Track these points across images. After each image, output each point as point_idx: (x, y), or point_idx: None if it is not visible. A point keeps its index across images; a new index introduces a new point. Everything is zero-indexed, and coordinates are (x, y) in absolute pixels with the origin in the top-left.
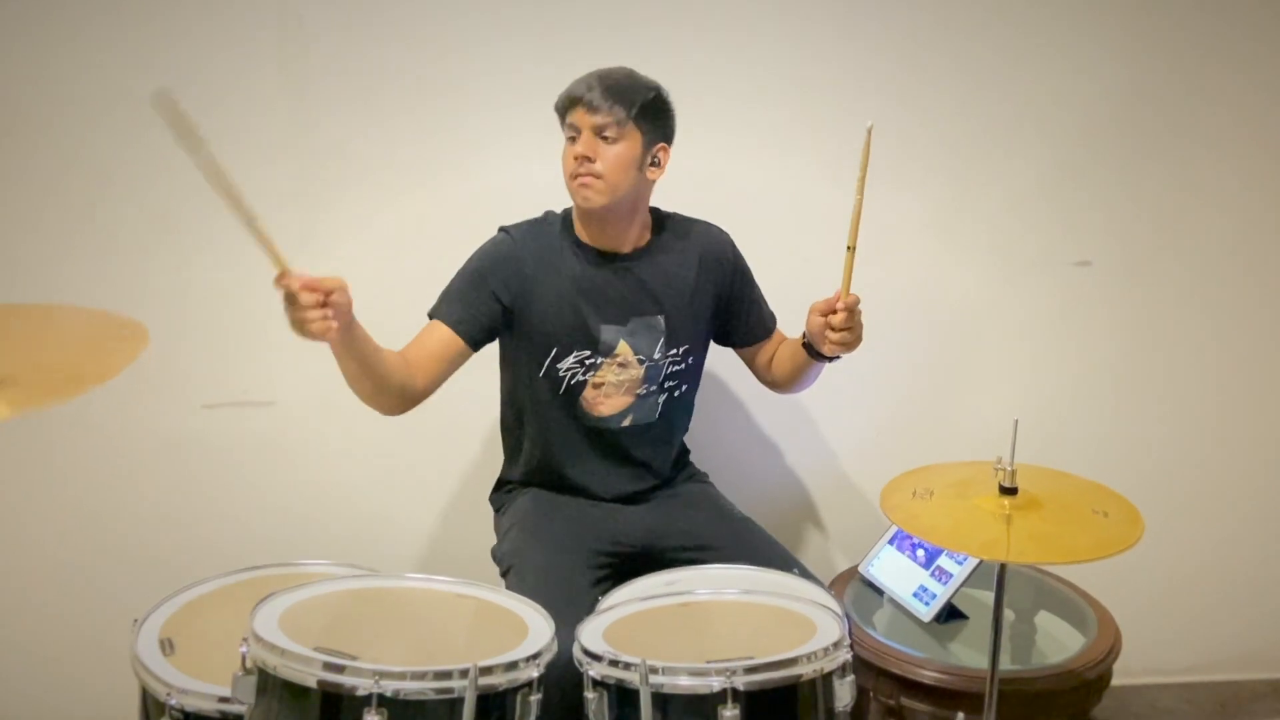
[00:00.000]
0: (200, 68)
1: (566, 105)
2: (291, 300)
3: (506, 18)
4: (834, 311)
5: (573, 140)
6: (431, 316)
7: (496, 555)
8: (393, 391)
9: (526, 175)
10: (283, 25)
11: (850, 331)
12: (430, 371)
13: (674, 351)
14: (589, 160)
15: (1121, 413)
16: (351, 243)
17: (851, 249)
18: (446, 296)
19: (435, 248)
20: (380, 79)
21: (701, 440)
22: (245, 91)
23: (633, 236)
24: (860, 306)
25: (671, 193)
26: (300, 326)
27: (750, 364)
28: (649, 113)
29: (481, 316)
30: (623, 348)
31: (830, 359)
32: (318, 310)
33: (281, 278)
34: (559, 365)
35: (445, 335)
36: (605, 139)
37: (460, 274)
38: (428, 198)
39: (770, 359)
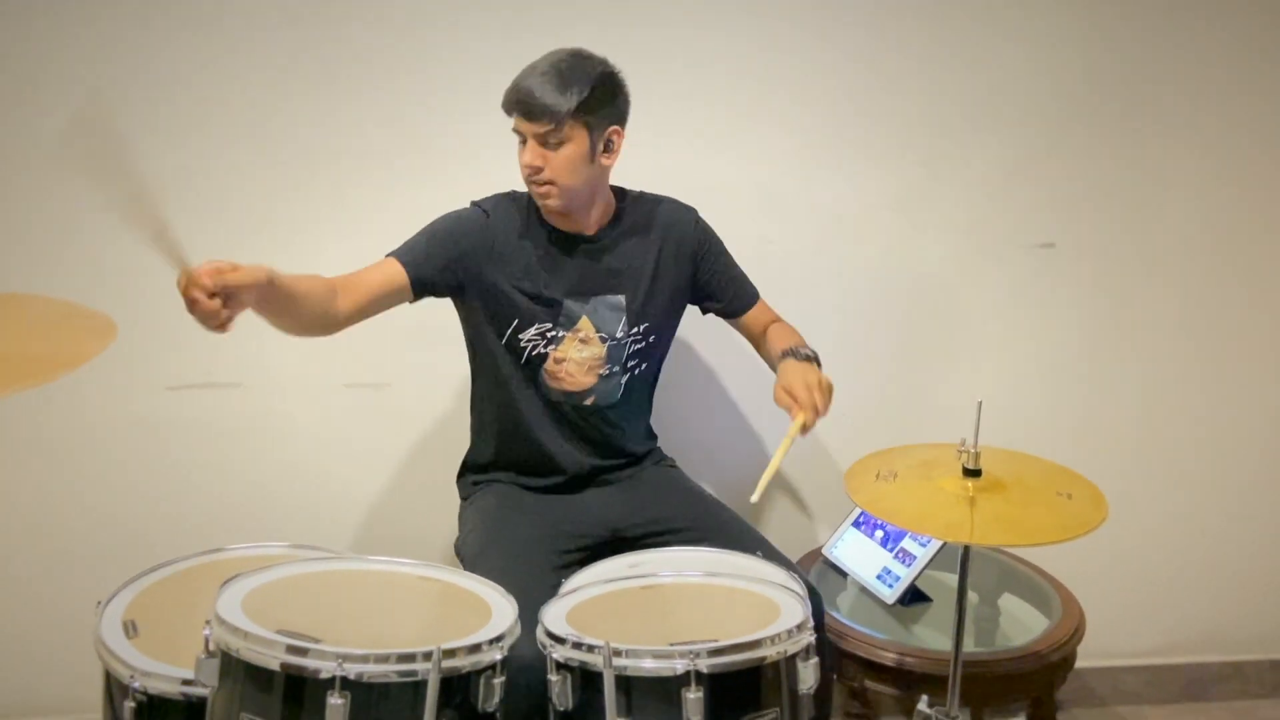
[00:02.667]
0: (186, 67)
1: (509, 108)
2: (194, 306)
3: (500, 17)
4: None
5: (522, 144)
6: (389, 255)
7: (459, 553)
8: (311, 324)
9: (512, 171)
10: (271, 24)
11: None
12: (359, 301)
13: (635, 330)
14: (538, 169)
15: (1085, 395)
16: (340, 244)
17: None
18: (409, 244)
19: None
20: (368, 77)
21: (668, 424)
22: (234, 92)
23: (595, 219)
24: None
25: (639, 170)
26: (212, 327)
27: (747, 338)
28: (591, 104)
29: (434, 269)
30: (584, 323)
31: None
32: (219, 314)
33: (181, 282)
34: (520, 335)
35: (394, 270)
36: (549, 144)
37: (428, 230)
38: (415, 199)
39: (760, 341)
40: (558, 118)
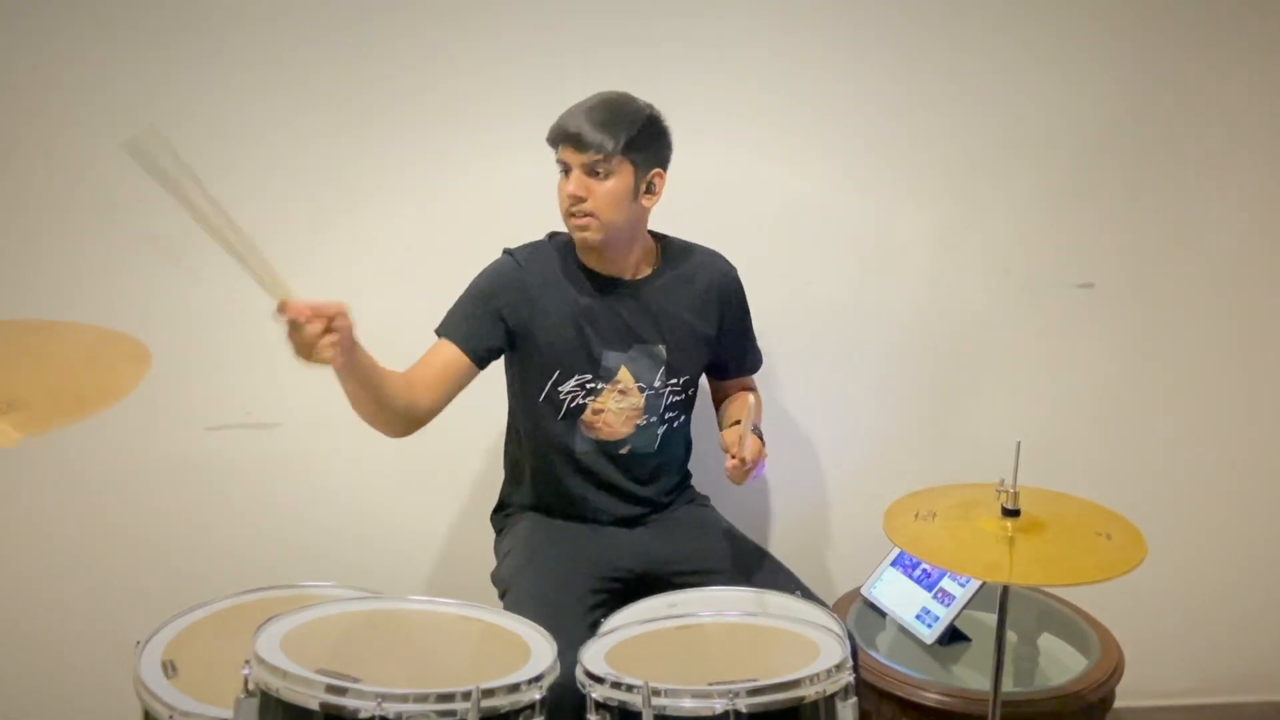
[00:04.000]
0: (198, 92)
1: (556, 140)
2: (296, 329)
3: (506, 36)
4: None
5: (565, 175)
6: (439, 334)
7: (495, 579)
8: (397, 412)
9: (528, 194)
10: (280, 49)
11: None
12: (435, 390)
13: (674, 382)
14: (580, 199)
15: (1124, 434)
16: (353, 264)
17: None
18: (453, 316)
19: (438, 267)
20: (378, 99)
21: (703, 462)
22: (244, 115)
23: (633, 262)
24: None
25: (680, 210)
26: (306, 354)
27: (714, 395)
28: (639, 143)
29: (487, 335)
30: (624, 374)
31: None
32: (324, 337)
33: (283, 309)
34: (560, 388)
35: (452, 353)
36: (596, 175)
37: (466, 294)
38: (429, 217)
39: (725, 404)
40: (606, 149)
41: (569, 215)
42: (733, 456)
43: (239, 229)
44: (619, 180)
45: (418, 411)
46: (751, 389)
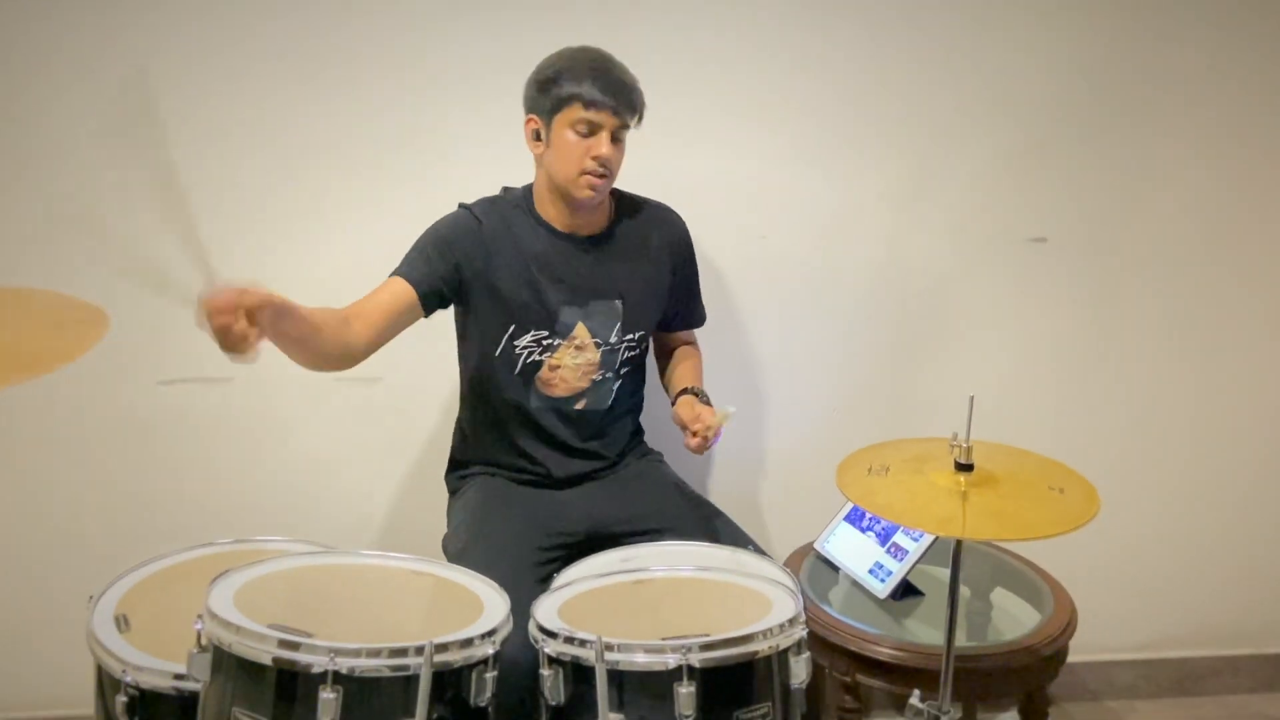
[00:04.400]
0: (177, 69)
1: (585, 101)
2: (222, 329)
3: (486, 16)
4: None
5: (584, 135)
6: (393, 274)
7: (446, 550)
8: (330, 354)
9: (504, 176)
10: (256, 26)
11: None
12: (375, 325)
13: (630, 336)
14: (609, 162)
15: (1077, 390)
16: (327, 245)
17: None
18: (409, 258)
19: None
20: (354, 78)
21: (655, 418)
22: (220, 94)
23: (596, 219)
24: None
25: (635, 167)
26: (232, 349)
27: (654, 343)
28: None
29: (439, 279)
30: (580, 330)
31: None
32: (250, 332)
33: (207, 310)
34: (515, 342)
35: (401, 289)
36: (616, 140)
37: (423, 239)
38: (403, 200)
39: (667, 360)
40: (636, 120)
41: (589, 175)
42: (694, 434)
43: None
44: (625, 141)
45: (353, 350)
46: (692, 343)
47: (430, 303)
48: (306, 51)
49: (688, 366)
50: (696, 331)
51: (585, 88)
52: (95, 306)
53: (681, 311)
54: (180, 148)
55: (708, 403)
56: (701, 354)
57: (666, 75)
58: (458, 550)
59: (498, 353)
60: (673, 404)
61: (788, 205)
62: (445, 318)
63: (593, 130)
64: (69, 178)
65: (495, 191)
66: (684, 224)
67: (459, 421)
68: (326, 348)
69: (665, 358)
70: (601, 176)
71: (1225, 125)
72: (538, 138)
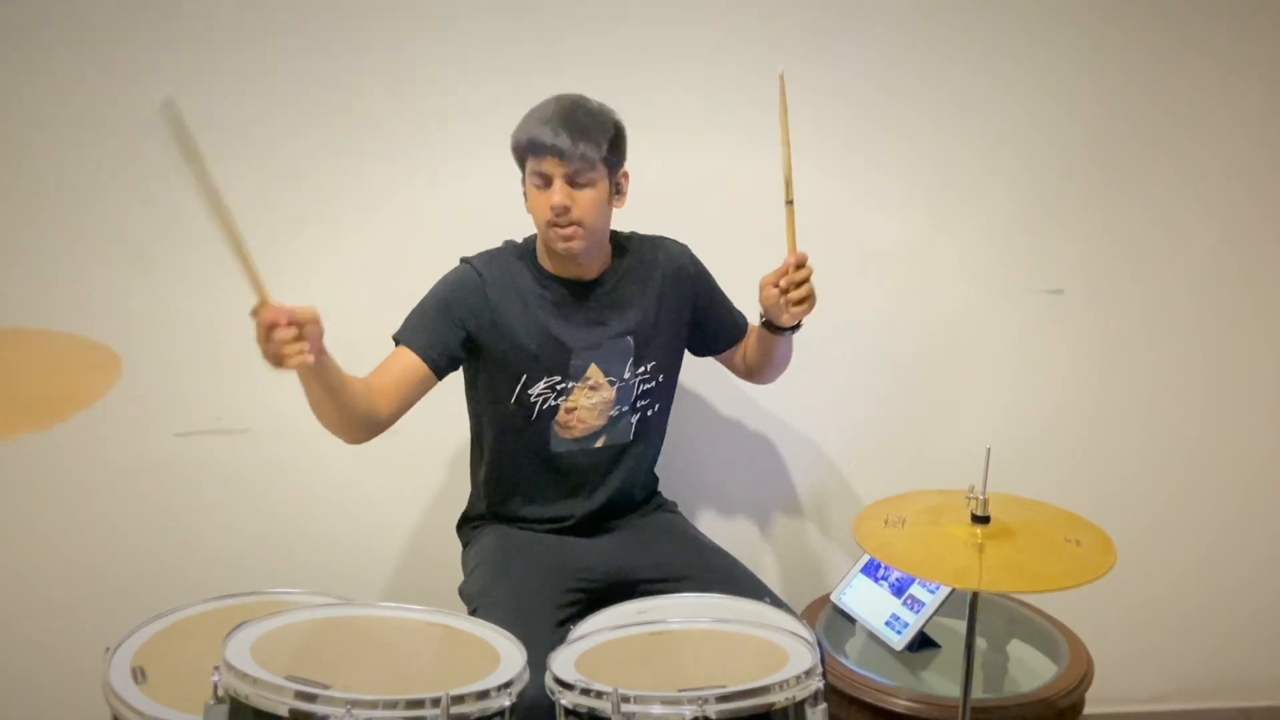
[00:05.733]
0: (178, 92)
1: (531, 151)
2: (267, 333)
3: (478, 42)
4: (785, 280)
5: (543, 186)
6: (397, 342)
7: (464, 595)
8: (357, 420)
9: (492, 198)
10: (250, 48)
11: (805, 295)
12: (395, 398)
13: (643, 370)
14: (567, 209)
15: (1093, 441)
16: (317, 268)
17: (790, 203)
18: (411, 323)
19: (402, 272)
20: (346, 102)
21: (671, 468)
22: (224, 117)
23: (597, 264)
24: (810, 264)
25: (649, 212)
26: (275, 359)
27: (729, 366)
28: (614, 147)
29: (447, 344)
30: (593, 370)
31: (792, 329)
32: (295, 344)
33: (261, 308)
34: (529, 391)
35: (411, 362)
36: (577, 185)
37: (425, 302)
38: (394, 221)
39: (744, 354)
40: (591, 158)
41: (552, 226)
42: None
43: (234, 220)
44: (599, 188)
45: (377, 418)
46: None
47: (442, 368)
48: (306, 64)
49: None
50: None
51: (532, 134)
52: (107, 348)
53: (723, 328)
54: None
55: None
56: None
57: (681, 123)
58: (477, 592)
59: (513, 402)
60: (757, 342)
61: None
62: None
63: (546, 181)
64: (88, 217)
65: (484, 206)
66: (687, 252)
67: (475, 475)
68: (355, 409)
69: (744, 363)
70: (567, 226)
71: (1240, 172)
72: (525, 195)
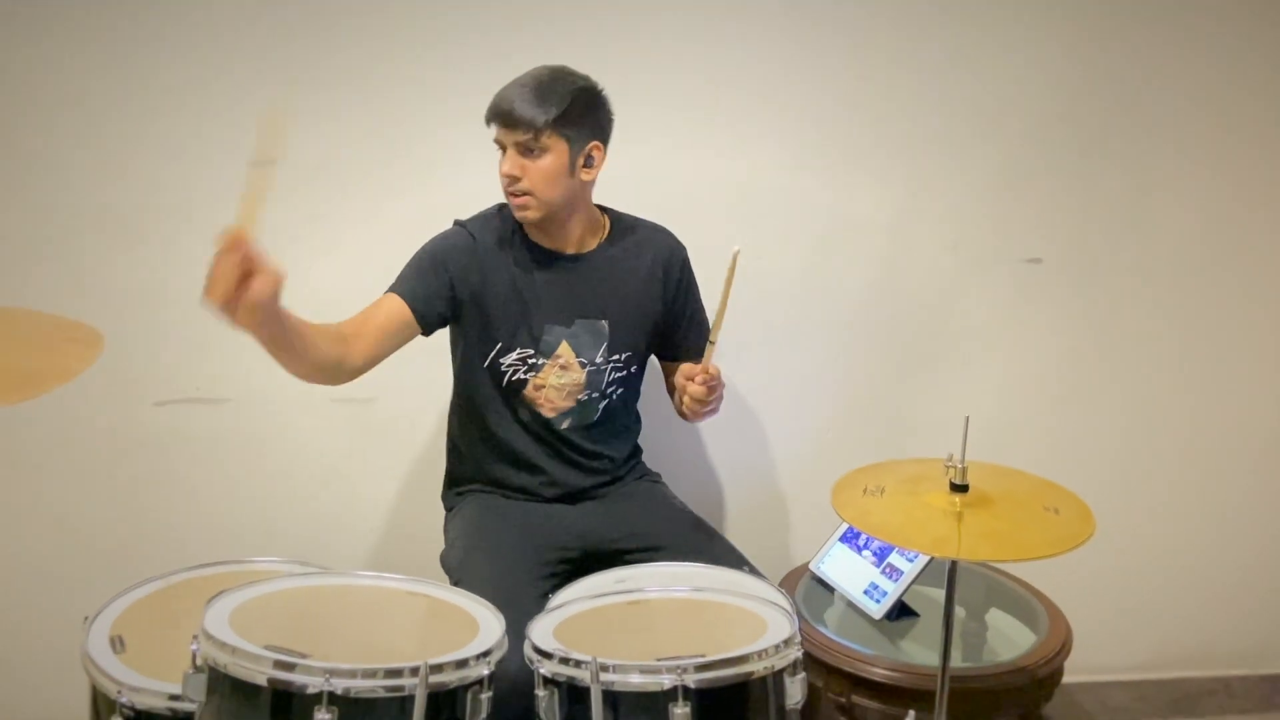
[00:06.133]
0: (166, 78)
1: (490, 118)
2: (222, 256)
3: (481, 32)
4: (695, 378)
5: (502, 153)
6: (388, 291)
7: (445, 564)
8: (324, 368)
9: (495, 193)
10: (242, 27)
11: (706, 403)
12: (372, 342)
13: (617, 357)
14: (516, 179)
15: (1073, 410)
16: (320, 267)
17: (712, 343)
18: (404, 275)
19: (407, 256)
20: (348, 95)
21: (653, 439)
22: (203, 91)
23: (576, 237)
24: (721, 382)
25: (626, 187)
26: (213, 290)
27: (667, 379)
28: (571, 117)
29: (436, 298)
30: (564, 349)
31: (688, 420)
32: (240, 293)
33: (227, 235)
34: (501, 360)
35: (398, 308)
36: (530, 153)
37: (418, 257)
38: (396, 210)
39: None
40: (535, 126)
41: (507, 195)
42: (689, 390)
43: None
44: (553, 157)
45: (349, 366)
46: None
47: (429, 320)
48: (303, 68)
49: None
50: None
51: (492, 103)
52: (90, 327)
53: (686, 340)
54: (183, 166)
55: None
56: None
57: (657, 93)
58: (457, 562)
59: (485, 367)
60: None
61: (781, 224)
62: (439, 335)
63: (503, 148)
64: (54, 196)
65: (490, 203)
66: (681, 248)
67: (450, 435)
68: (321, 360)
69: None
70: (518, 195)
71: (1222, 141)
72: None
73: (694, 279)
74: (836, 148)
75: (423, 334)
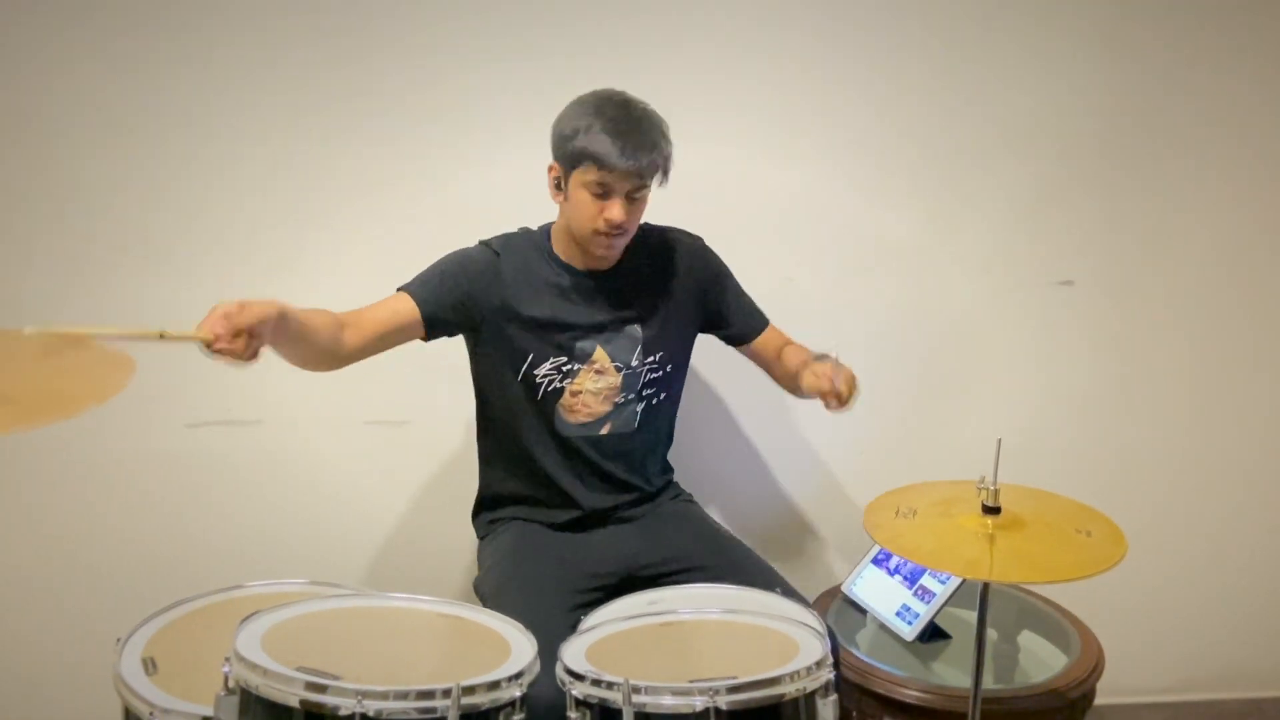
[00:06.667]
0: (183, 88)
1: (592, 161)
2: (228, 354)
3: (493, 39)
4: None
5: (597, 196)
6: (400, 289)
7: (478, 591)
8: (319, 358)
9: (507, 196)
10: (268, 48)
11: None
12: (368, 331)
13: (651, 359)
14: (623, 224)
15: (1104, 432)
16: (329, 265)
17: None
18: (420, 277)
19: (415, 268)
20: (365, 99)
21: (686, 459)
22: (234, 116)
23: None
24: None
25: (661, 204)
26: (236, 362)
27: (760, 365)
28: (670, 160)
29: (446, 305)
30: (599, 354)
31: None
32: (247, 349)
33: (212, 347)
34: (535, 371)
35: (404, 305)
36: (633, 198)
37: (437, 265)
38: (413, 216)
39: (773, 364)
40: (656, 179)
41: (602, 235)
42: (827, 390)
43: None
44: (647, 194)
45: (339, 355)
46: (786, 343)
47: (433, 325)
48: (320, 59)
49: (794, 348)
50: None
51: (601, 148)
52: (122, 351)
53: (741, 320)
54: (215, 190)
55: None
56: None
57: (693, 115)
58: (491, 591)
59: (519, 381)
60: (801, 386)
61: (812, 244)
62: (462, 356)
63: (606, 192)
64: (84, 220)
65: (497, 213)
66: (702, 245)
67: (482, 458)
68: (315, 351)
69: (774, 366)
70: (616, 236)
71: (1254, 162)
72: (559, 187)
73: (722, 265)
74: (868, 168)
75: (423, 339)
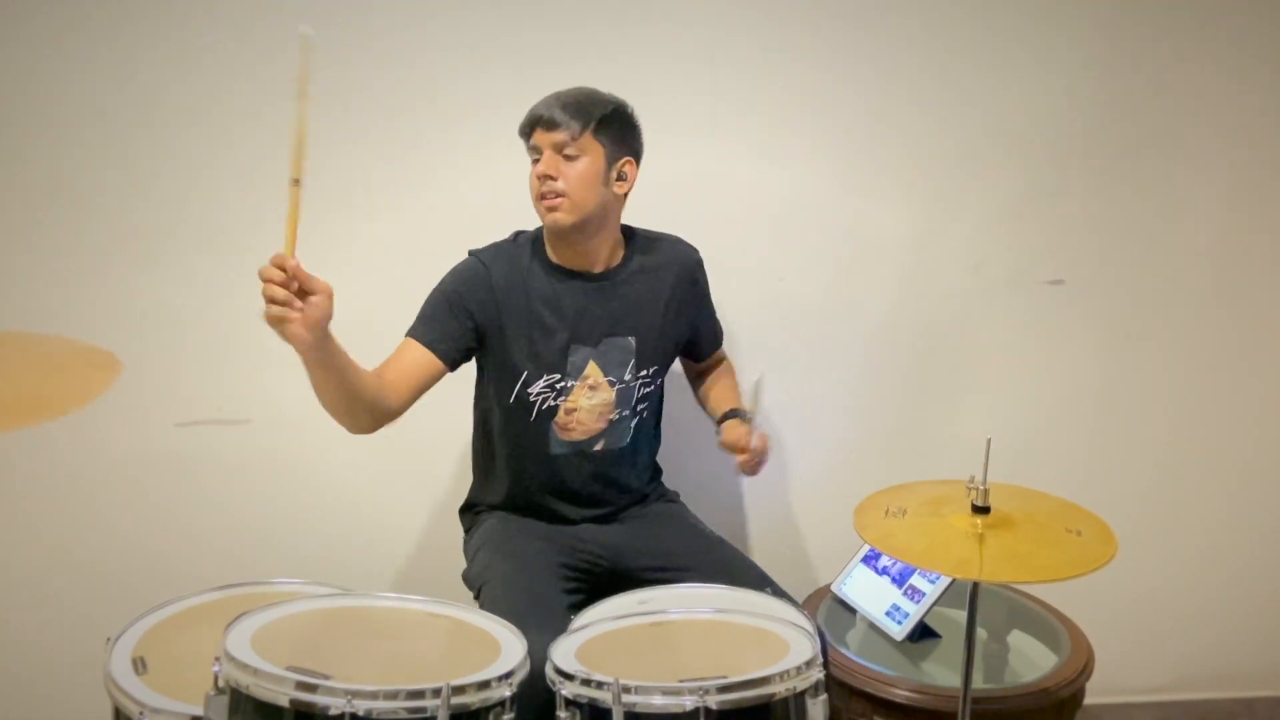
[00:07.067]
0: (177, 89)
1: (528, 127)
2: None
3: (486, 36)
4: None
5: (536, 161)
6: (407, 335)
7: (467, 578)
8: (364, 409)
9: (503, 194)
10: (260, 47)
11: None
12: (405, 390)
13: (644, 373)
14: (551, 179)
15: (1094, 431)
16: (331, 262)
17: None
18: (422, 318)
19: (416, 266)
20: (357, 100)
21: (673, 459)
22: (223, 113)
23: (604, 255)
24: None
25: (652, 205)
26: (272, 316)
27: (686, 372)
28: (609, 126)
29: (457, 337)
30: (592, 369)
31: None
32: (280, 307)
33: (277, 259)
34: (529, 390)
35: (422, 355)
36: (567, 157)
37: (433, 296)
38: (405, 217)
39: (702, 381)
40: (575, 128)
41: (540, 198)
42: (742, 451)
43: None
44: (589, 161)
45: (385, 409)
46: (724, 359)
47: (455, 360)
48: (317, 58)
49: (724, 387)
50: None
51: (529, 113)
52: (106, 351)
53: (705, 336)
54: (203, 187)
55: (750, 421)
56: (732, 367)
57: (682, 116)
58: (479, 573)
59: (512, 400)
60: (717, 426)
61: (804, 244)
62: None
63: (538, 154)
64: (72, 221)
65: (503, 217)
66: (695, 253)
67: (476, 466)
68: (362, 397)
69: (699, 378)
70: (554, 197)
71: (1244, 161)
72: None
73: (706, 278)
74: (859, 169)
75: (449, 371)
